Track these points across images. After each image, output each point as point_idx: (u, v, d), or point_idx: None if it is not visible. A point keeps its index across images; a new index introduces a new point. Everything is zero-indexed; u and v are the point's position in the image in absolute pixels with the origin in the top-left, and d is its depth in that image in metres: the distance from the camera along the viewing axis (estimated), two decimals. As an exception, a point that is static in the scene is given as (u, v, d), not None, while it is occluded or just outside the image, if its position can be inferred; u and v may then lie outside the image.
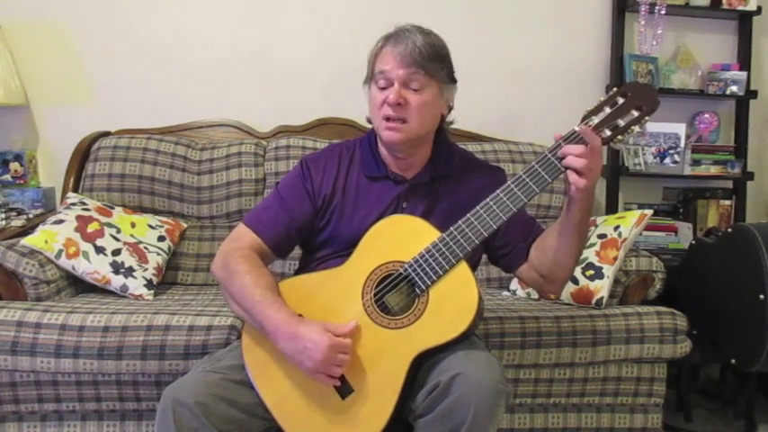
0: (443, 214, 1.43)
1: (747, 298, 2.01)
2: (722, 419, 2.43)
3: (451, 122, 1.55)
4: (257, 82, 2.76)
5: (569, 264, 1.41)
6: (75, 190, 2.43)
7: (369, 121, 1.50)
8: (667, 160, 2.84)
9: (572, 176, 1.24)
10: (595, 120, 1.27)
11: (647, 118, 1.27)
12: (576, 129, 1.27)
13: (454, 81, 1.48)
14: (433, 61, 1.40)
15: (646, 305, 2.08)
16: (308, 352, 1.25)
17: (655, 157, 2.83)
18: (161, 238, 2.28)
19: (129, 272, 2.09)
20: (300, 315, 1.33)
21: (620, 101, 1.28)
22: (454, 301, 1.29)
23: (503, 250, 1.50)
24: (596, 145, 1.25)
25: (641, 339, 1.96)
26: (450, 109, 1.51)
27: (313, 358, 1.24)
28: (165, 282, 2.29)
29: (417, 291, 1.31)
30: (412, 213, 1.43)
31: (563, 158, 1.26)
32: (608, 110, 1.28)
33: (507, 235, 1.47)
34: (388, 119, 1.41)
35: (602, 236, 2.14)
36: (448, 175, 1.51)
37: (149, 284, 2.11)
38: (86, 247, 2.09)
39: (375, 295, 1.33)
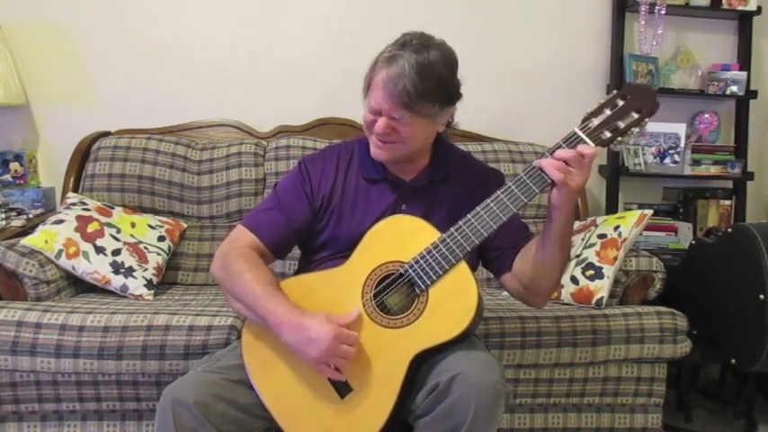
0: (442, 217, 1.42)
1: (747, 298, 2.01)
2: (722, 419, 2.43)
3: (451, 128, 1.51)
4: (257, 82, 2.76)
5: (551, 275, 1.38)
6: (76, 190, 2.43)
7: None
8: (667, 160, 2.84)
9: (557, 174, 1.24)
10: (595, 121, 1.28)
11: (646, 120, 1.28)
12: (576, 130, 1.28)
13: (454, 102, 1.42)
14: (422, 99, 1.32)
15: (646, 305, 2.08)
16: (312, 342, 1.24)
17: (655, 157, 2.83)
18: (161, 238, 2.28)
19: (129, 272, 2.09)
20: None
21: (620, 103, 1.28)
22: (454, 301, 1.29)
23: (493, 254, 1.49)
24: (590, 152, 1.24)
25: (641, 339, 1.96)
26: (450, 124, 1.48)
27: (318, 348, 1.24)
28: (165, 282, 2.29)
29: (417, 291, 1.31)
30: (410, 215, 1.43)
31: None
32: (608, 112, 1.28)
33: (499, 239, 1.46)
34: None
35: (602, 236, 2.14)
36: (447, 177, 1.50)
37: (149, 284, 2.11)
38: (86, 247, 2.09)
39: (375, 295, 1.33)
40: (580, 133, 1.27)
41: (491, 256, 1.50)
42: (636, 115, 1.27)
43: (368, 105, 1.40)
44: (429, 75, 1.32)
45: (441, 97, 1.36)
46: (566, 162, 1.24)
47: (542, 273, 1.38)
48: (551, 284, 1.41)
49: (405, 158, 1.45)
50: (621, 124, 1.27)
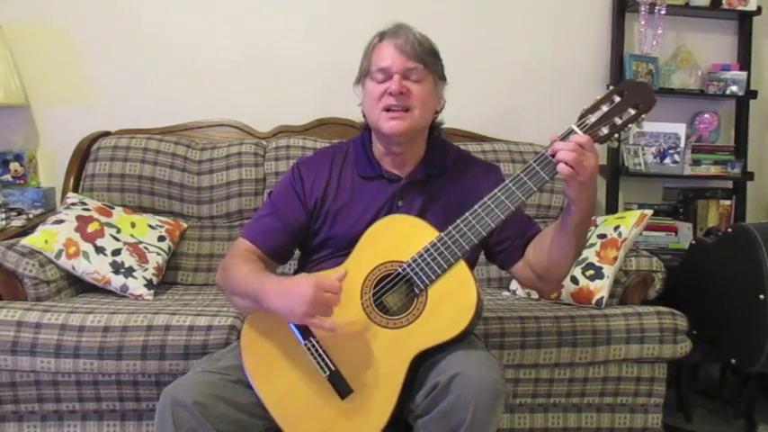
0: (439, 212, 1.43)
1: (747, 298, 2.01)
2: (722, 419, 2.43)
3: (442, 123, 1.55)
4: (257, 82, 2.76)
5: (565, 264, 1.41)
6: (76, 190, 2.43)
7: (363, 124, 1.52)
8: (667, 160, 2.84)
9: (564, 169, 1.24)
10: (592, 118, 1.27)
11: (643, 116, 1.27)
12: (573, 127, 1.27)
13: (445, 78, 1.51)
14: (430, 55, 1.43)
15: (646, 305, 2.08)
16: (294, 296, 1.25)
17: (655, 157, 2.83)
18: (161, 238, 2.28)
19: (129, 272, 2.09)
20: None
21: (617, 99, 1.27)
22: (453, 300, 1.29)
23: (499, 247, 1.50)
24: (582, 141, 1.24)
25: (641, 339, 1.96)
26: (442, 106, 1.52)
27: (301, 301, 1.24)
28: (165, 282, 2.30)
29: (416, 290, 1.31)
30: (407, 211, 1.43)
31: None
32: (605, 108, 1.28)
33: (504, 232, 1.47)
34: (388, 109, 1.41)
35: (602, 236, 2.14)
36: (443, 172, 1.51)
37: (149, 284, 2.11)
38: (86, 247, 2.09)
39: (374, 295, 1.33)
40: (577, 130, 1.27)
41: (497, 249, 1.51)
42: (633, 111, 1.27)
43: (373, 79, 1.43)
44: (429, 41, 1.47)
45: (440, 61, 1.48)
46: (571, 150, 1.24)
47: (557, 261, 1.41)
48: (564, 272, 1.45)
49: (413, 134, 1.45)
50: (618, 120, 1.27)
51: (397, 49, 1.41)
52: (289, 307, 1.26)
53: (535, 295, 2.20)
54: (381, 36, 1.45)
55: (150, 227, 2.29)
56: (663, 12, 2.82)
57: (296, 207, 1.48)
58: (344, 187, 1.49)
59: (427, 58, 1.42)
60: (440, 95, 1.50)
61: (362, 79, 1.47)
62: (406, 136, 1.44)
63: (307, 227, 1.49)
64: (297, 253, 1.59)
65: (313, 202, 1.48)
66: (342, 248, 1.42)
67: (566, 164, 1.23)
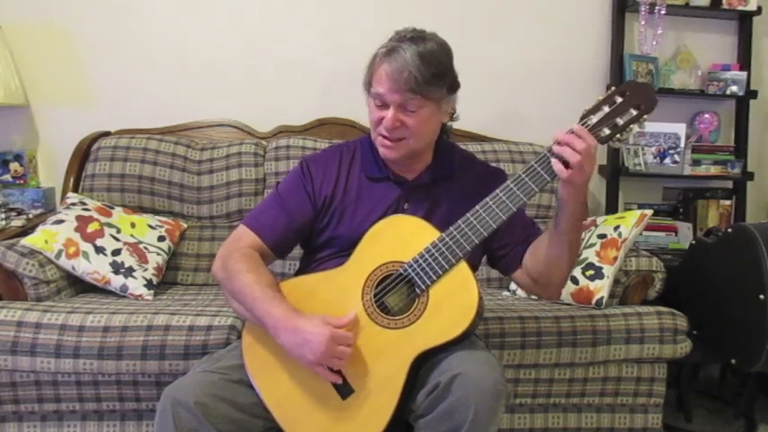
0: (444, 215, 1.43)
1: (747, 298, 2.01)
2: (722, 419, 2.43)
3: (451, 126, 1.54)
4: (257, 82, 2.76)
5: (560, 270, 1.41)
6: (76, 190, 2.43)
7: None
8: (667, 160, 2.84)
9: (558, 166, 1.23)
10: (594, 119, 1.27)
11: (645, 117, 1.27)
12: (575, 128, 1.27)
13: (456, 90, 1.44)
14: (429, 83, 1.34)
15: (646, 305, 2.08)
16: (308, 345, 1.25)
17: (655, 157, 2.83)
18: (161, 238, 2.28)
19: (129, 272, 2.09)
20: None
21: (619, 100, 1.27)
22: (454, 300, 1.29)
23: (500, 252, 1.50)
24: (589, 143, 1.24)
25: (641, 339, 1.96)
26: (452, 115, 1.49)
27: (314, 351, 1.24)
28: (165, 282, 2.29)
29: (417, 291, 1.31)
30: (413, 214, 1.42)
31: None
32: (606, 109, 1.28)
33: (506, 237, 1.47)
34: (384, 136, 1.40)
35: (602, 236, 2.14)
36: (449, 176, 1.50)
37: (149, 284, 2.11)
38: (86, 247, 2.09)
39: (375, 295, 1.33)
40: None
41: (499, 254, 1.51)
42: (634, 112, 1.27)
43: (373, 101, 1.40)
44: (431, 61, 1.35)
45: (445, 81, 1.39)
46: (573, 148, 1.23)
47: (552, 266, 1.40)
48: (561, 277, 1.44)
49: (412, 155, 1.45)
50: (620, 121, 1.27)
51: (391, 79, 1.34)
52: (298, 351, 1.26)
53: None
54: (382, 57, 1.37)
55: (150, 227, 2.29)
56: (663, 12, 2.82)
57: (304, 204, 1.48)
58: (351, 187, 1.48)
59: (425, 89, 1.34)
60: (445, 110, 1.44)
61: (366, 90, 1.44)
62: (400, 161, 1.44)
63: (312, 225, 1.49)
64: (297, 252, 1.59)
65: (322, 200, 1.47)
66: (345, 248, 1.42)
67: (565, 164, 1.23)
